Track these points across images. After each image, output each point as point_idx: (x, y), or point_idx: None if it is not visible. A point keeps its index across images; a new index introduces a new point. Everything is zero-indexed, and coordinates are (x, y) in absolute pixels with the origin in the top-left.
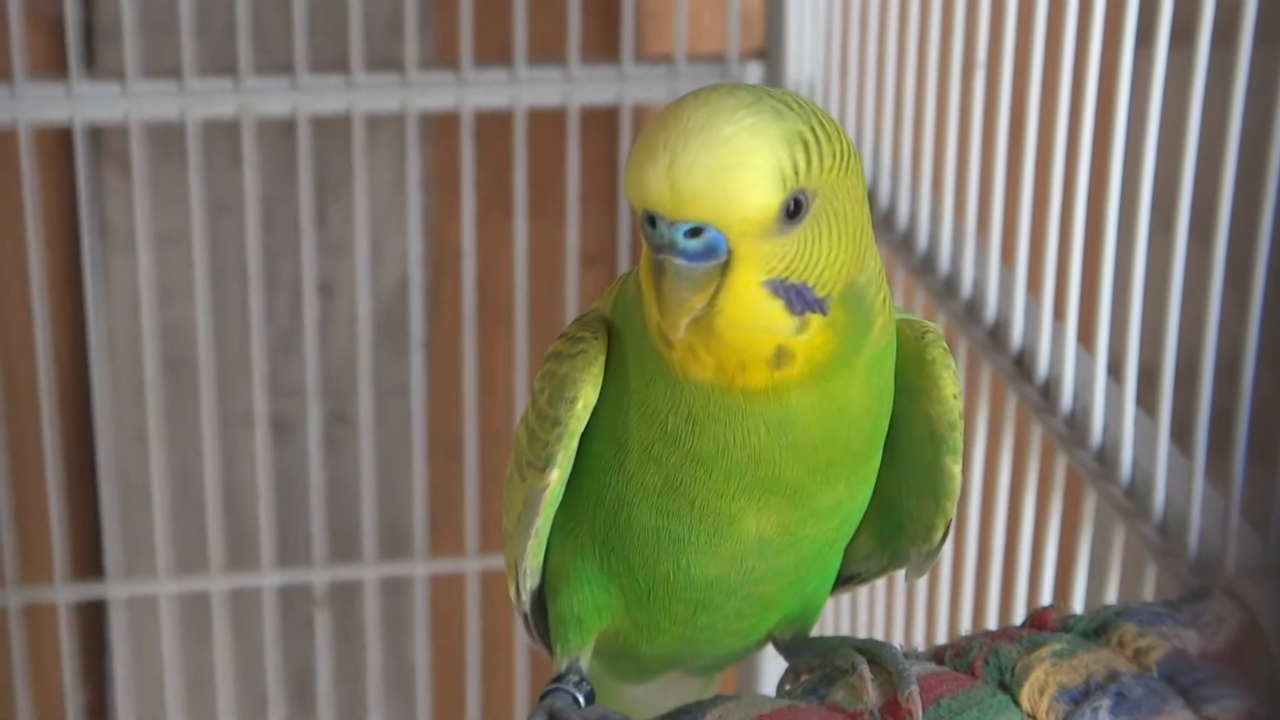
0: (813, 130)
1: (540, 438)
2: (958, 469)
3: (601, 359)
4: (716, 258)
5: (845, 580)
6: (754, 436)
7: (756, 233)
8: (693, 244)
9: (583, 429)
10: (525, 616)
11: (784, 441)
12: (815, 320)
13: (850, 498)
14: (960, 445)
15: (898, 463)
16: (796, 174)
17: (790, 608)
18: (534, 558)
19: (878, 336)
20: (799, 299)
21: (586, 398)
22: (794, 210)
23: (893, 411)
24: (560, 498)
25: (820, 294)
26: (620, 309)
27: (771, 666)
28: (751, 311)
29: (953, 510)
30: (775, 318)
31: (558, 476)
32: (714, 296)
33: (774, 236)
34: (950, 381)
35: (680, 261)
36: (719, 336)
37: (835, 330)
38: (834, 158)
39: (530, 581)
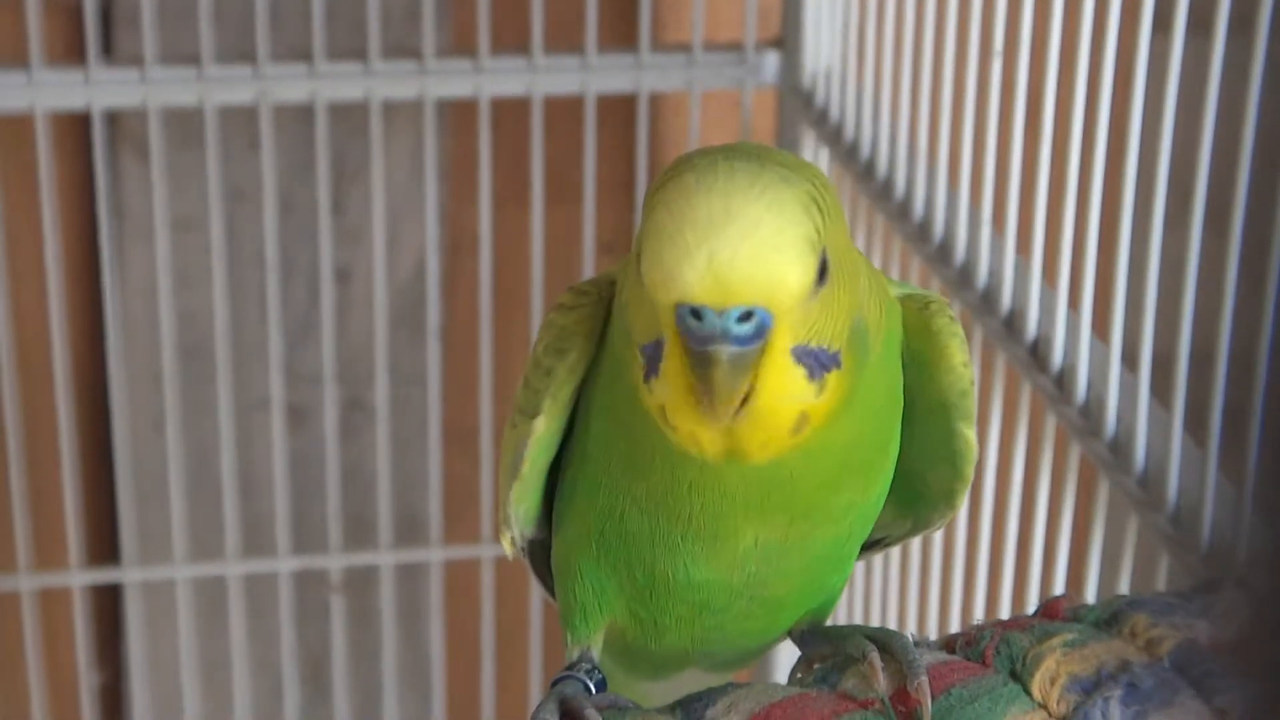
0: (812, 184)
1: (532, 385)
2: (972, 434)
3: (600, 316)
4: (764, 338)
5: (871, 545)
6: (751, 489)
7: (798, 305)
8: (745, 328)
9: (575, 381)
10: (535, 571)
11: (782, 486)
12: (832, 378)
13: (864, 498)
14: (973, 411)
15: (913, 434)
16: (819, 235)
17: (808, 606)
18: (519, 502)
19: (874, 341)
20: (817, 363)
21: (580, 349)
22: (821, 273)
23: (904, 385)
24: (550, 449)
25: (834, 350)
26: (617, 296)
27: (784, 654)
28: (785, 382)
29: (970, 474)
30: (799, 386)
31: (544, 424)
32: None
33: (806, 303)
34: (958, 350)
35: (734, 349)
36: (755, 416)
37: (848, 378)
38: (831, 205)
39: (518, 527)
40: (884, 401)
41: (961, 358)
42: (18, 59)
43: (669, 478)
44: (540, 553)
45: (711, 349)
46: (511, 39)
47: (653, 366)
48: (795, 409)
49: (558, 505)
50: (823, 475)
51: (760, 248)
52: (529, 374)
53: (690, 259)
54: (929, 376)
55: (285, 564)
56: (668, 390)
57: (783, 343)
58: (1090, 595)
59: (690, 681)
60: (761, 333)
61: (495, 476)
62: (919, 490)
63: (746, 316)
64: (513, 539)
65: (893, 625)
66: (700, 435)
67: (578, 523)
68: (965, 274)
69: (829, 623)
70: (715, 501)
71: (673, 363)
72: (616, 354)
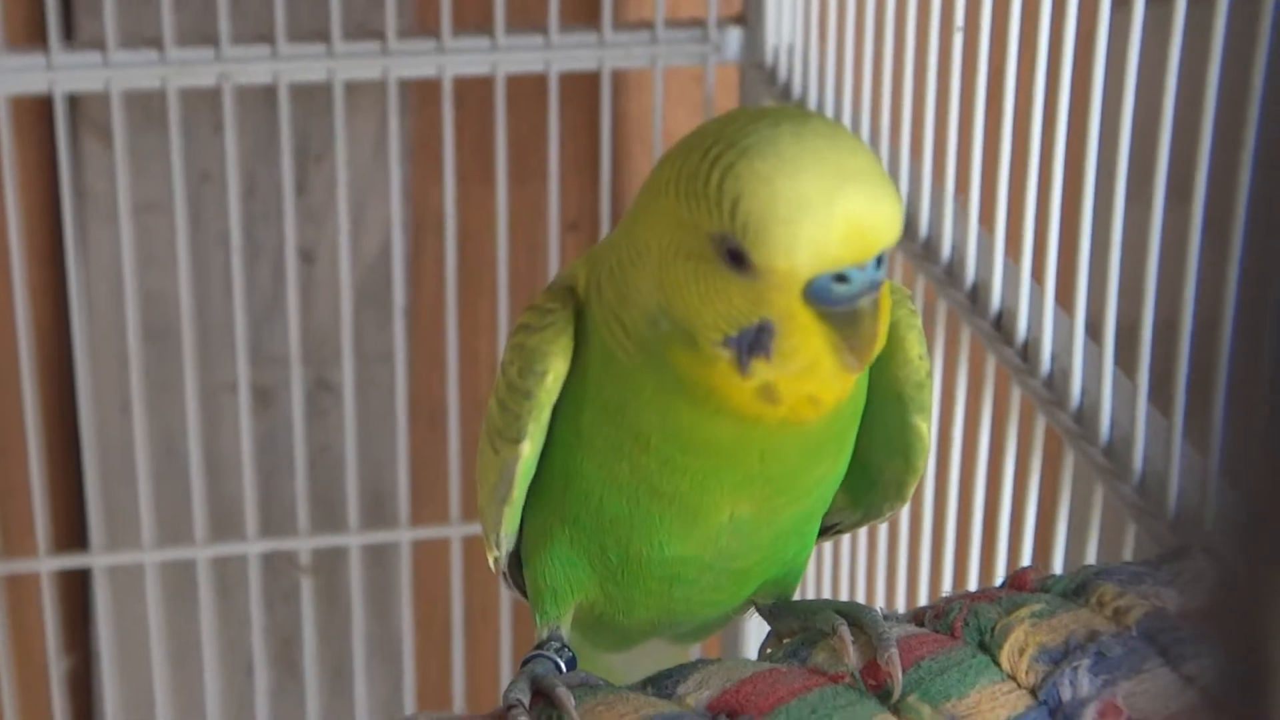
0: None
1: (511, 409)
2: (926, 427)
3: (571, 330)
4: (884, 271)
5: (822, 531)
6: (751, 453)
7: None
8: (881, 273)
9: (553, 401)
10: (505, 575)
11: (780, 451)
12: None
13: (831, 471)
14: (928, 404)
15: (869, 423)
16: None
17: (769, 575)
18: (508, 525)
19: None
20: None
21: (557, 370)
22: None
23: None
24: (533, 469)
25: None
26: (595, 299)
27: (754, 631)
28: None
29: (923, 467)
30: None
31: (529, 448)
32: None
33: None
34: (916, 342)
35: (875, 294)
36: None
37: None
38: None
39: (506, 546)
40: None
41: (918, 349)
42: None
43: (661, 457)
44: (513, 560)
45: (859, 304)
46: (474, 18)
47: (755, 350)
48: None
49: (527, 497)
50: (808, 443)
51: (879, 193)
52: (505, 398)
53: (831, 224)
54: (885, 366)
55: (254, 547)
56: (792, 364)
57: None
58: (1058, 566)
59: (653, 651)
60: (883, 268)
61: (470, 471)
62: (871, 478)
63: (878, 262)
64: (497, 560)
65: (862, 599)
66: (807, 400)
67: (549, 511)
68: (929, 248)
69: (797, 597)
70: (703, 478)
71: (801, 336)
72: (604, 350)
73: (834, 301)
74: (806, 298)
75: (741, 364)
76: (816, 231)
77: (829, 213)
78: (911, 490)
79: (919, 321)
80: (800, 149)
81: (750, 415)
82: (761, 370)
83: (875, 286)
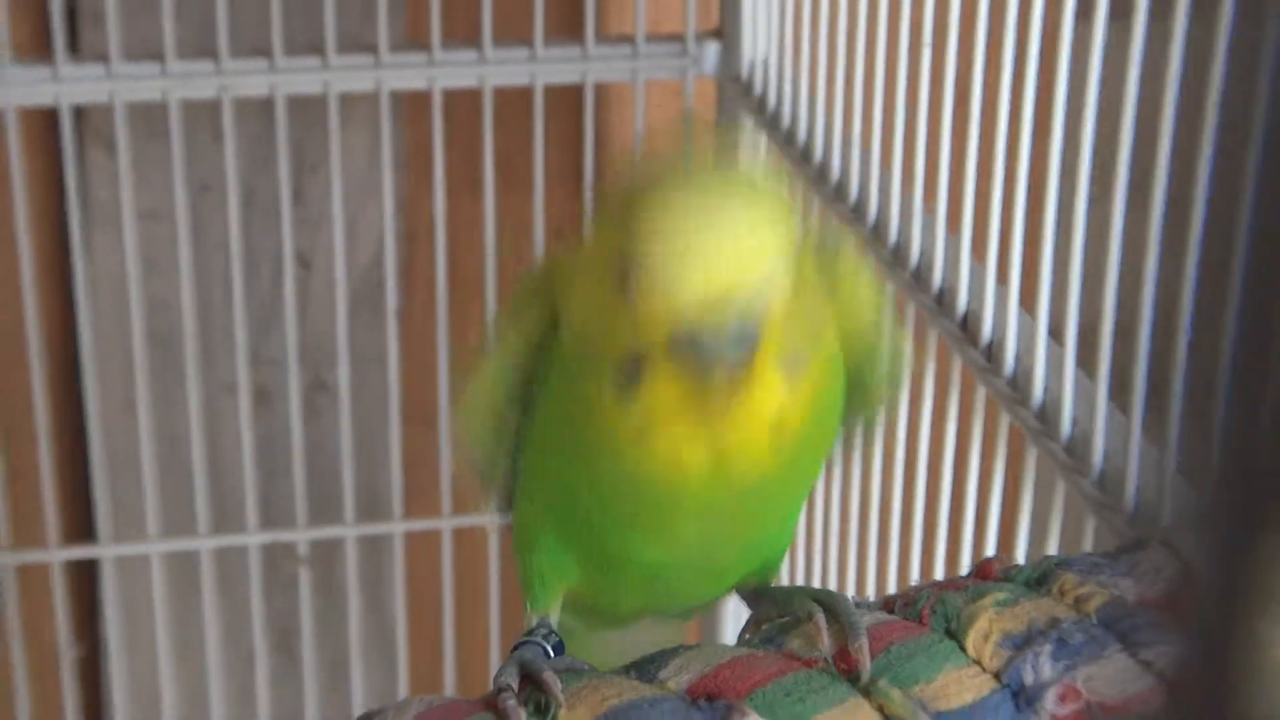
0: (774, 197)
1: (497, 328)
2: (898, 337)
3: (551, 296)
4: (754, 348)
5: None
6: (703, 497)
7: (781, 317)
8: (740, 345)
9: (536, 320)
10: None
11: (736, 487)
12: (803, 383)
13: (812, 471)
14: (888, 325)
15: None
16: (789, 247)
17: (752, 565)
18: (476, 426)
19: (827, 341)
20: (794, 366)
21: (534, 313)
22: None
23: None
24: (500, 387)
25: (804, 354)
26: (568, 314)
27: (731, 615)
28: (770, 388)
29: (905, 363)
30: (780, 390)
31: (496, 365)
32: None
33: (786, 313)
34: (864, 285)
35: (731, 363)
36: (743, 425)
37: (811, 382)
38: (793, 217)
39: (479, 456)
40: (831, 369)
41: (868, 295)
42: None
43: (615, 475)
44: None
45: (712, 364)
46: (463, 32)
47: (631, 379)
48: (776, 415)
49: (515, 482)
50: (774, 484)
51: (744, 264)
52: (494, 320)
53: (685, 285)
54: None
55: (254, 539)
56: (651, 410)
57: (769, 350)
58: (1021, 557)
59: (645, 630)
60: (753, 344)
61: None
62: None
63: (740, 332)
64: (490, 494)
65: (834, 587)
66: (683, 455)
67: (538, 503)
68: (898, 252)
69: (774, 584)
70: (660, 503)
71: (659, 383)
72: (568, 351)
73: (689, 357)
74: (670, 343)
75: (624, 392)
76: (669, 287)
77: (687, 271)
78: (903, 380)
79: (868, 272)
80: (687, 214)
81: (671, 474)
82: (634, 411)
83: (730, 353)
